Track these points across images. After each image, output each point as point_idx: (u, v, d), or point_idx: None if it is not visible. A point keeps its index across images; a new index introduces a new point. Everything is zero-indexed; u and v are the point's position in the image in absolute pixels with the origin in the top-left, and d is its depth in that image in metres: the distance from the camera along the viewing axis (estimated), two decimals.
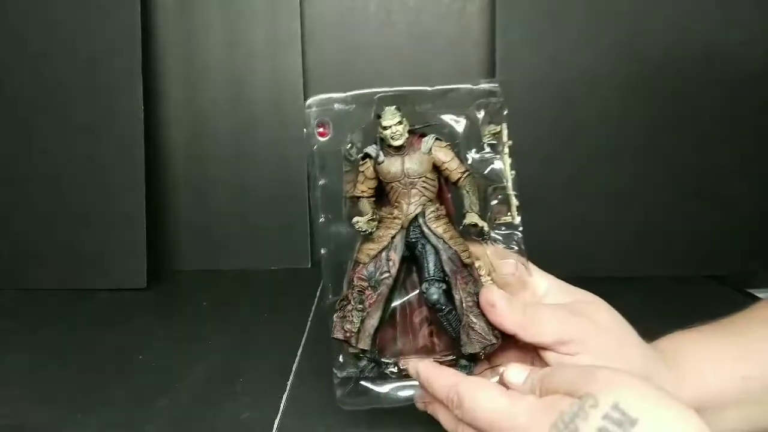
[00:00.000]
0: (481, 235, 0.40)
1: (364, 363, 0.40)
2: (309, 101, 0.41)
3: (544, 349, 0.36)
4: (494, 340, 0.37)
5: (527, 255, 0.41)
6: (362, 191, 0.40)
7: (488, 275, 0.40)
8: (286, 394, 0.47)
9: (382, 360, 0.40)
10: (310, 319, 0.61)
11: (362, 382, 0.40)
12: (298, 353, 0.54)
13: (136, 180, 0.72)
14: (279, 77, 0.77)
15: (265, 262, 0.78)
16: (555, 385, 0.32)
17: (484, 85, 0.41)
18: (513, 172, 0.41)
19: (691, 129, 0.74)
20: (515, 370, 0.37)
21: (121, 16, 0.71)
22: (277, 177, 0.77)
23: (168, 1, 0.75)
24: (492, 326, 0.38)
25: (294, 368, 0.51)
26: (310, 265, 0.78)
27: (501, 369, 0.37)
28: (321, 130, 0.41)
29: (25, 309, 0.67)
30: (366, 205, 0.41)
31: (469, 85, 0.42)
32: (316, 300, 0.66)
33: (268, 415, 0.44)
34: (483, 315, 0.38)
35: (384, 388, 0.40)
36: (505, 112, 0.41)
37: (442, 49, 0.76)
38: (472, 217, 0.39)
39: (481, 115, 0.41)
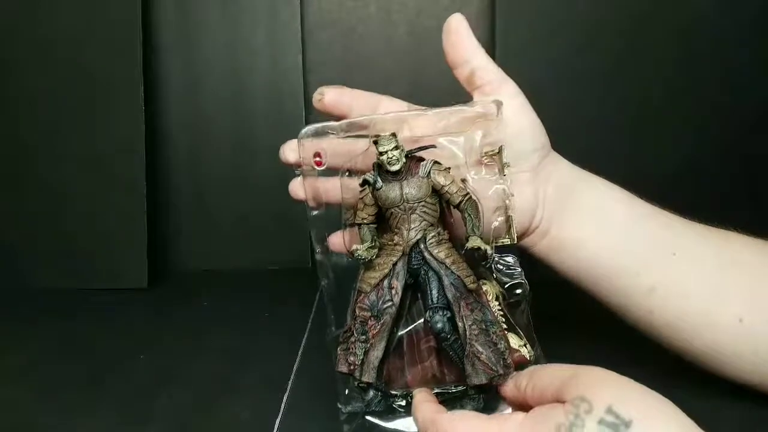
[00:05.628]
0: (484, 259, 0.39)
1: (370, 395, 0.39)
2: (302, 131, 0.41)
3: None
4: (501, 371, 0.36)
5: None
6: (362, 218, 0.40)
7: (496, 300, 0.39)
8: (286, 394, 0.47)
9: (391, 392, 0.39)
10: (310, 319, 0.61)
11: (369, 418, 0.39)
12: (299, 353, 0.54)
13: (136, 180, 0.72)
14: (279, 77, 0.77)
15: (265, 262, 0.78)
16: (545, 381, 0.32)
17: (479, 106, 0.41)
18: (513, 195, 0.40)
19: (692, 130, 0.74)
20: None
21: (122, 16, 0.71)
22: (277, 177, 0.77)
23: (168, 1, 0.75)
24: (501, 355, 0.37)
25: (294, 368, 0.51)
26: (310, 265, 0.78)
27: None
28: (317, 159, 0.41)
29: (25, 309, 0.67)
30: (367, 232, 0.40)
31: (463, 106, 0.41)
32: (316, 300, 0.66)
33: (268, 415, 0.44)
34: (490, 344, 0.37)
35: (392, 424, 0.39)
36: (503, 135, 0.40)
37: (442, 50, 0.76)
38: (474, 241, 0.38)
39: (478, 135, 0.41)
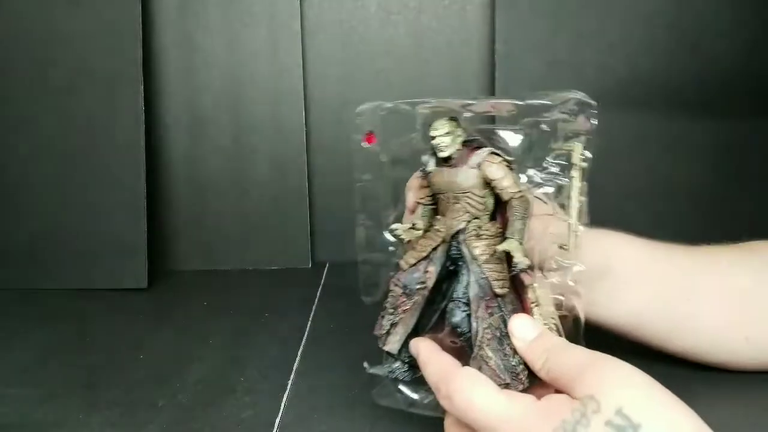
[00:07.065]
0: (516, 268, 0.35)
1: (396, 365, 0.39)
2: (359, 109, 0.40)
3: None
4: (509, 380, 0.34)
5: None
6: (420, 198, 0.40)
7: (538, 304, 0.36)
8: (286, 394, 0.47)
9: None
10: (310, 319, 0.61)
11: (401, 387, 0.40)
12: (299, 353, 0.54)
13: (136, 180, 0.72)
14: (279, 77, 0.77)
15: (265, 262, 0.78)
16: (562, 367, 0.31)
17: (573, 100, 0.38)
18: (583, 199, 0.36)
19: (690, 137, 0.74)
20: (522, 322, 0.35)
21: (122, 16, 0.71)
22: (277, 177, 0.77)
23: (168, 2, 0.75)
24: (512, 369, 0.34)
25: (294, 368, 0.51)
26: (310, 265, 0.78)
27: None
28: (369, 135, 0.41)
29: (25, 309, 0.67)
30: (420, 212, 0.40)
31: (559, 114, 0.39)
32: (316, 300, 0.66)
33: (268, 415, 0.44)
34: (501, 354, 0.35)
35: (417, 395, 0.39)
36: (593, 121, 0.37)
37: (442, 49, 0.76)
38: (509, 244, 0.35)
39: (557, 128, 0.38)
